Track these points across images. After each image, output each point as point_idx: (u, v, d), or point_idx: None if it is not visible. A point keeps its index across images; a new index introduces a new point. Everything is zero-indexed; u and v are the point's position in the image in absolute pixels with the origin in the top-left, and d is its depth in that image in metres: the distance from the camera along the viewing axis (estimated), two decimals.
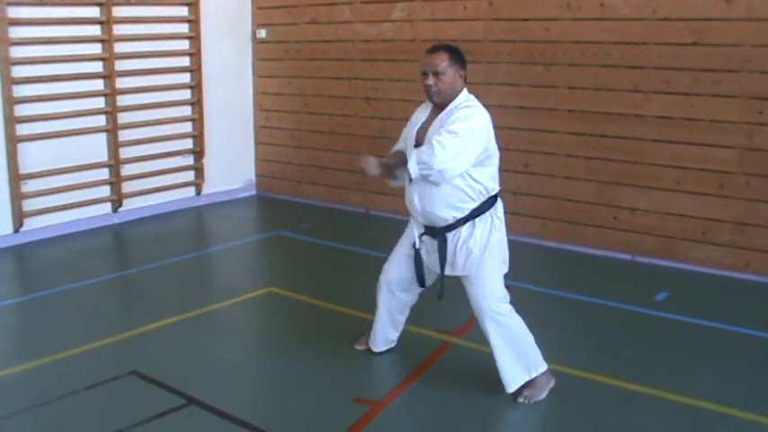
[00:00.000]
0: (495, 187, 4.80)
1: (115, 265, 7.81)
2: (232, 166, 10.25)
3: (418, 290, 5.22)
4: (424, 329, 5.74)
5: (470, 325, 5.70)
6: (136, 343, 5.71)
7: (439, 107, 4.78)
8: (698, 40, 6.96)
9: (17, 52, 7.89)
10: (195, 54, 9.53)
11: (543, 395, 4.84)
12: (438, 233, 4.83)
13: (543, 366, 4.85)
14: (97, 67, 8.62)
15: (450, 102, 4.73)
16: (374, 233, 8.60)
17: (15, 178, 7.95)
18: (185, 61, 9.54)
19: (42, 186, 8.24)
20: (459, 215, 4.73)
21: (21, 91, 7.95)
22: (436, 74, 4.67)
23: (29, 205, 8.15)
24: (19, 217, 8.05)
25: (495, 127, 4.74)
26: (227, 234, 8.86)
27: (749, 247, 6.98)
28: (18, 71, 7.91)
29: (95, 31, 8.55)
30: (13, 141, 7.88)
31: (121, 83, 8.80)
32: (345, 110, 9.45)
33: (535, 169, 8.00)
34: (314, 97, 9.78)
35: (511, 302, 4.83)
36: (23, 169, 8.04)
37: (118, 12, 8.65)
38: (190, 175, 9.80)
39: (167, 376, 5.10)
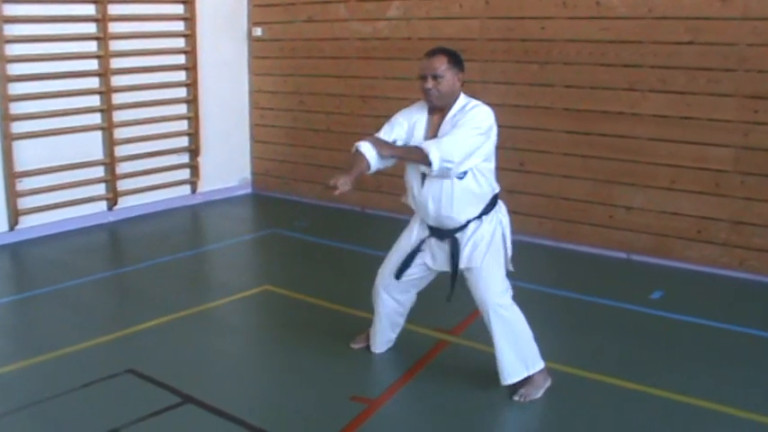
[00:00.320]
0: (496, 186, 4.83)
1: (110, 264, 7.80)
2: (228, 165, 10.24)
3: (416, 291, 5.22)
4: (420, 328, 5.74)
5: (467, 323, 5.74)
6: (131, 341, 5.70)
7: (438, 111, 4.77)
8: (694, 38, 6.96)
9: (12, 50, 7.87)
10: (191, 52, 9.51)
11: (539, 394, 4.84)
12: (446, 235, 4.83)
13: (541, 364, 4.86)
14: (92, 64, 8.61)
15: (450, 105, 4.72)
16: (370, 231, 8.61)
17: (10, 176, 7.94)
18: (181, 59, 9.53)
19: (37, 184, 8.22)
20: (472, 216, 4.74)
21: (16, 88, 7.93)
22: (435, 77, 4.65)
23: (24, 203, 8.14)
24: (14, 215, 8.03)
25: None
26: (222, 232, 8.85)
27: (744, 246, 6.99)
28: (13, 69, 7.89)
29: (91, 28, 8.54)
30: (8, 139, 7.87)
31: (117, 81, 8.79)
32: (341, 108, 9.45)
33: (531, 168, 8.00)
34: (310, 95, 9.77)
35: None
36: (18, 167, 8.03)
37: (113, 9, 8.63)
38: (185, 174, 9.80)
39: (163, 374, 5.09)
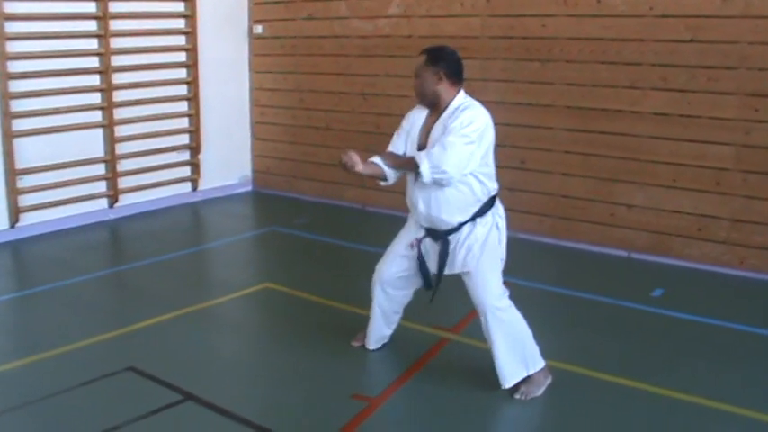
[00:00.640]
0: (494, 187, 4.81)
1: (111, 261, 7.81)
2: (228, 162, 10.25)
3: (412, 288, 5.22)
4: (420, 326, 5.74)
5: (467, 321, 5.73)
6: (132, 339, 5.71)
7: (435, 109, 4.80)
8: (695, 37, 6.96)
9: (13, 47, 7.86)
10: (191, 50, 9.51)
11: (540, 392, 4.84)
12: (440, 236, 4.84)
13: (541, 363, 4.86)
14: (93, 62, 8.61)
15: (444, 104, 4.74)
16: (370, 229, 8.60)
17: (11, 174, 7.94)
18: (182, 57, 9.53)
19: (38, 182, 8.22)
20: (464, 219, 4.74)
21: (17, 86, 7.93)
22: (416, 76, 4.77)
23: (25, 201, 8.13)
24: (15, 212, 8.03)
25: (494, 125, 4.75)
26: (223, 230, 8.85)
27: (745, 244, 6.99)
28: (14, 66, 7.89)
29: (92, 26, 8.54)
30: (8, 137, 7.87)
31: (118, 78, 8.78)
32: (342, 106, 9.45)
33: (532, 165, 8.00)
34: (310, 93, 9.77)
35: (510, 297, 4.84)
36: (19, 165, 8.02)
37: (114, 7, 8.63)
38: (186, 171, 9.79)
39: (164, 372, 5.09)
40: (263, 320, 6.33)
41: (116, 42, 8.72)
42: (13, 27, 7.84)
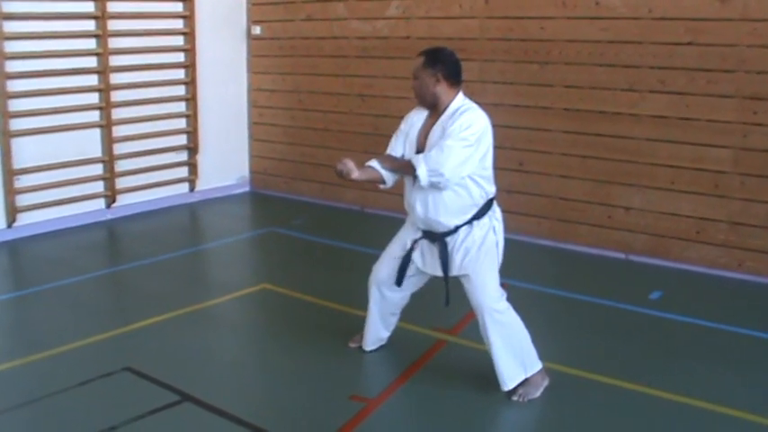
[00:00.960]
0: (492, 190, 4.81)
1: (108, 261, 7.81)
2: (226, 163, 10.24)
3: (409, 290, 5.21)
4: (418, 327, 5.74)
5: (465, 323, 5.73)
6: (129, 339, 5.70)
7: (434, 111, 4.80)
8: (693, 39, 6.96)
9: (11, 47, 7.86)
10: (190, 50, 9.51)
11: (538, 393, 4.84)
12: (437, 238, 4.83)
13: (538, 365, 4.86)
14: (91, 62, 8.60)
15: (443, 105, 4.74)
16: (368, 230, 8.60)
17: (9, 173, 7.93)
18: (180, 57, 9.53)
19: (36, 182, 8.21)
20: (462, 222, 4.74)
21: (15, 86, 7.92)
22: (414, 77, 4.77)
23: (22, 200, 8.13)
24: (12, 212, 8.02)
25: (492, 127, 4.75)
26: (220, 231, 8.84)
27: (743, 247, 6.99)
28: (12, 66, 7.88)
29: (90, 26, 8.53)
30: (6, 136, 7.86)
31: (116, 78, 8.78)
32: (340, 107, 9.44)
33: (530, 168, 8.00)
34: (308, 94, 9.77)
35: (508, 300, 4.84)
36: (17, 164, 8.01)
37: (112, 7, 8.63)
38: (183, 172, 9.79)
39: (161, 373, 5.08)
40: (261, 321, 6.32)
41: (114, 42, 8.71)
42: (11, 26, 7.84)
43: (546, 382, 4.89)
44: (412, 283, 5.16)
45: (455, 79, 4.75)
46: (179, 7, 9.41)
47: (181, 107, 9.62)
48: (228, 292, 6.68)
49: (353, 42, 9.20)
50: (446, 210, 4.71)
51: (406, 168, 4.74)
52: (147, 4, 9.09)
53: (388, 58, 8.89)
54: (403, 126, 4.97)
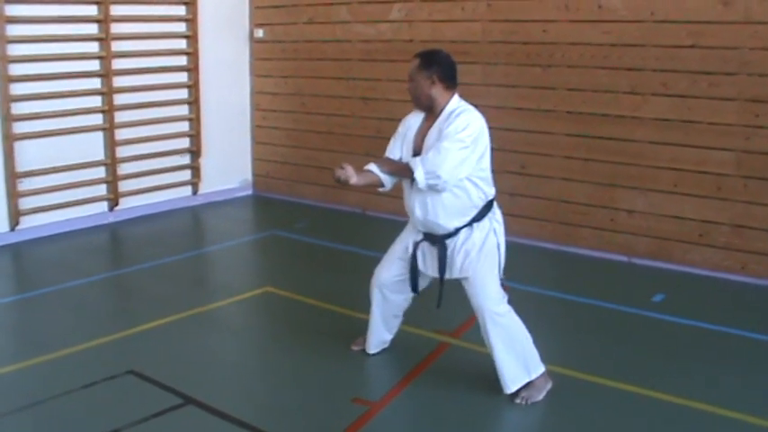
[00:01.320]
0: (491, 192, 4.82)
1: (111, 264, 7.81)
2: (229, 166, 10.25)
3: (411, 293, 5.21)
4: (421, 330, 5.74)
5: (467, 326, 5.72)
6: (132, 342, 5.70)
7: (430, 114, 4.81)
8: (696, 42, 6.96)
9: (14, 50, 7.87)
10: (192, 53, 9.52)
11: (541, 396, 4.84)
12: (437, 240, 4.84)
13: (541, 368, 4.85)
14: (94, 65, 8.61)
15: (439, 108, 4.76)
16: (371, 233, 8.60)
17: (12, 176, 7.94)
18: (182, 60, 9.53)
19: (39, 185, 8.22)
20: (461, 224, 4.75)
21: (18, 89, 7.94)
22: (409, 79, 4.79)
23: (25, 203, 8.14)
24: (15, 215, 8.03)
25: (489, 129, 4.75)
26: (223, 234, 8.85)
27: (746, 250, 6.99)
28: (15, 69, 7.89)
29: (93, 29, 8.54)
30: (9, 139, 7.87)
31: (118, 81, 8.79)
32: (343, 110, 9.45)
33: (532, 170, 8.00)
34: (311, 97, 9.78)
35: (510, 302, 4.85)
36: (20, 167, 8.03)
37: (115, 10, 8.64)
38: (186, 175, 9.79)
39: (164, 375, 5.09)
40: (264, 324, 6.32)
41: (117, 46, 8.72)
42: (14, 30, 7.85)
43: (549, 385, 4.89)
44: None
45: (450, 82, 4.77)
46: (182, 10, 9.42)
47: (183, 110, 9.63)
48: (231, 295, 6.68)
49: (356, 45, 9.20)
50: (445, 212, 4.71)
51: (403, 171, 4.75)
52: (149, 7, 9.11)
53: (391, 61, 8.89)
54: (400, 129, 4.99)
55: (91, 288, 6.88)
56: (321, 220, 9.28)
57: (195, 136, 9.71)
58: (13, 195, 7.98)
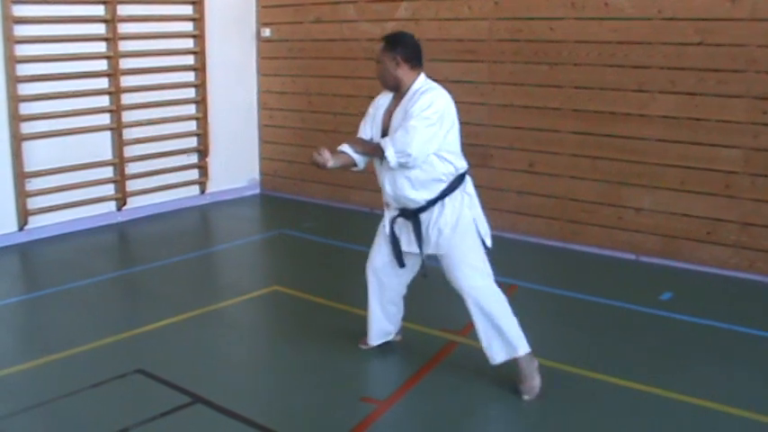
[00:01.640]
0: (462, 165, 4.95)
1: (119, 264, 7.83)
2: (236, 165, 10.26)
3: (404, 276, 5.27)
4: (428, 329, 5.75)
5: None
6: (141, 341, 5.72)
7: (397, 94, 4.99)
8: (703, 39, 6.95)
9: (22, 50, 7.89)
10: (200, 53, 9.53)
11: (538, 380, 4.86)
12: (411, 215, 4.96)
13: (527, 347, 4.88)
14: (102, 65, 8.63)
15: (405, 87, 4.93)
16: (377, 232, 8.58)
17: (20, 176, 7.96)
18: (190, 60, 9.55)
19: (47, 184, 8.24)
20: (430, 196, 4.86)
21: (25, 89, 7.96)
22: (377, 61, 5.01)
23: (33, 203, 8.16)
24: (23, 215, 8.05)
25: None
26: (231, 233, 8.87)
27: (754, 248, 6.97)
28: (23, 69, 7.91)
29: (100, 29, 8.56)
30: (17, 139, 7.89)
31: (126, 81, 8.81)
32: (350, 109, 9.44)
33: (540, 169, 7.99)
34: (318, 96, 9.78)
35: (510, 300, 4.85)
36: (28, 167, 8.05)
37: (122, 10, 8.66)
38: (194, 174, 9.81)
39: (173, 374, 5.10)
40: (272, 323, 6.34)
41: (124, 45, 8.75)
42: (21, 30, 7.87)
43: (536, 364, 4.91)
44: (407, 268, 5.22)
45: (415, 62, 4.94)
46: (189, 10, 9.43)
47: (191, 110, 9.65)
48: (239, 294, 6.69)
49: (363, 44, 9.20)
50: (412, 185, 4.84)
51: (375, 151, 4.92)
52: (156, 6, 9.12)
53: None
54: (371, 109, 5.18)
55: (99, 287, 6.90)
56: (329, 218, 9.29)
57: (202, 135, 9.72)
58: (22, 195, 8.00)
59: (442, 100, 4.81)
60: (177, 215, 9.37)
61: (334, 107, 9.63)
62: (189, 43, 9.52)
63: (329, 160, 4.84)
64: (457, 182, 4.89)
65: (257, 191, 10.57)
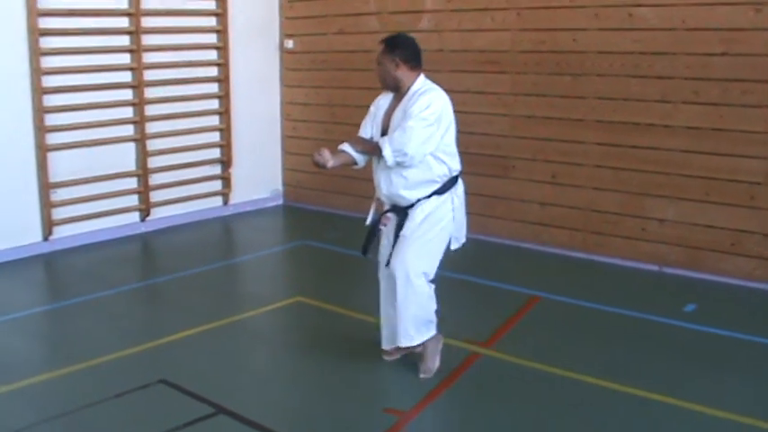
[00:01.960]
0: (456, 167, 5.10)
1: (143, 274, 7.86)
2: (259, 176, 10.29)
3: None
4: (452, 340, 5.72)
5: (499, 335, 5.71)
6: (164, 352, 5.74)
7: (397, 94, 5.12)
8: (727, 50, 6.92)
9: (47, 62, 7.95)
10: (223, 64, 9.58)
11: (437, 362, 5.20)
12: (400, 211, 5.14)
13: (433, 331, 5.21)
14: (126, 77, 8.68)
15: (404, 88, 5.06)
16: None
17: (45, 187, 8.02)
18: (213, 71, 9.60)
19: (71, 195, 8.30)
20: (423, 195, 5.03)
21: (51, 100, 8.01)
22: (377, 63, 5.12)
23: (58, 214, 8.21)
24: (48, 225, 8.11)
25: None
26: (254, 243, 8.89)
27: None
28: (48, 81, 7.97)
29: (124, 41, 8.62)
30: (42, 150, 7.95)
31: (150, 92, 8.85)
32: None
33: (563, 180, 7.97)
34: (341, 107, 9.80)
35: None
36: (53, 178, 8.10)
37: (146, 22, 8.71)
38: (217, 185, 9.85)
39: (196, 385, 5.11)
40: (295, 334, 6.33)
41: (148, 57, 8.79)
42: (47, 42, 7.93)
43: (440, 345, 5.24)
44: None
45: (414, 63, 5.09)
46: (212, 22, 9.48)
47: (214, 121, 9.69)
48: (262, 304, 6.71)
49: None
50: (406, 184, 5.02)
51: (374, 150, 5.09)
52: (180, 18, 9.16)
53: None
54: (372, 109, 5.34)
55: (122, 298, 6.92)
56: (352, 229, 9.22)
57: (226, 146, 9.76)
58: (47, 205, 8.06)
59: (440, 101, 4.96)
60: (200, 226, 9.40)
61: (357, 118, 9.47)
62: (212, 55, 9.56)
63: (329, 160, 5.01)
64: (450, 183, 5.07)
65: (280, 202, 10.59)
